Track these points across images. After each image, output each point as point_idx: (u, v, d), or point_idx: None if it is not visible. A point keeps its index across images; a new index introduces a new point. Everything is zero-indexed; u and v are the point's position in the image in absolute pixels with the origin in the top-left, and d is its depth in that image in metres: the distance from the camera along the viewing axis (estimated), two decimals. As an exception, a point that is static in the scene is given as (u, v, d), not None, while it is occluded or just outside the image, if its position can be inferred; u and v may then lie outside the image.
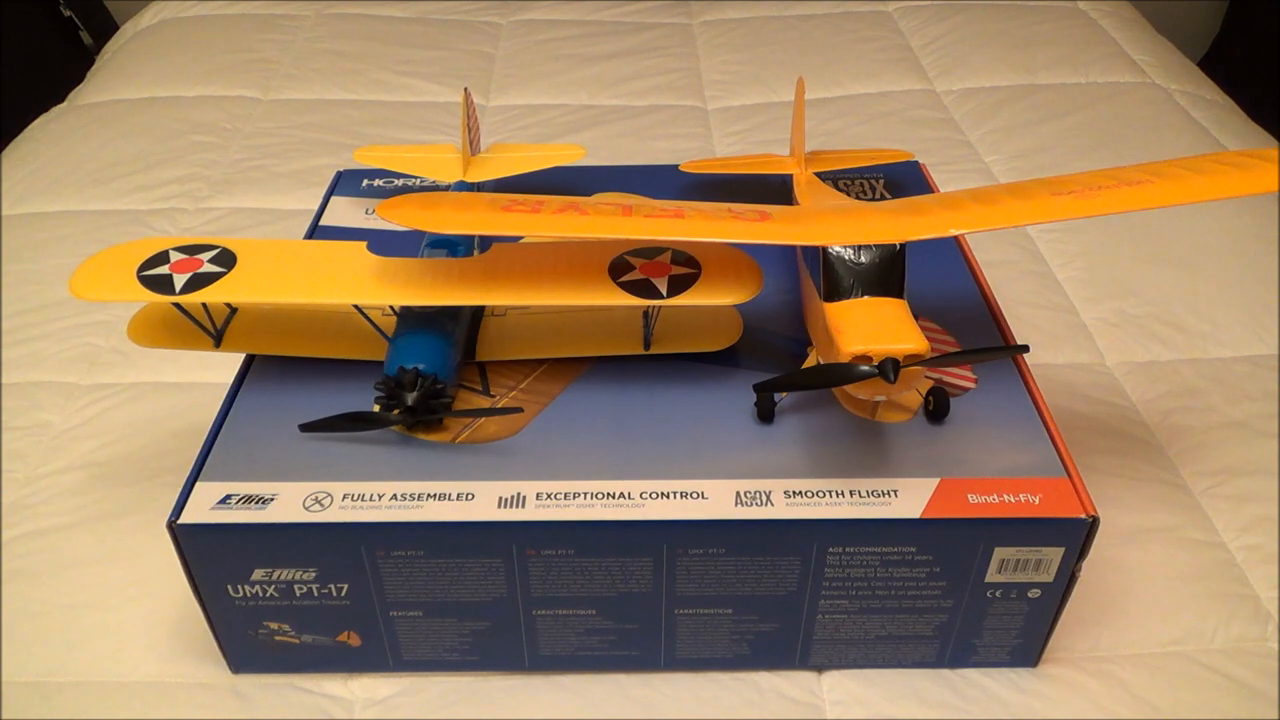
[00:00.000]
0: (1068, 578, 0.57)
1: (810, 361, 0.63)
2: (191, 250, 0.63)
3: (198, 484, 0.56)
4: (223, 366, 0.67)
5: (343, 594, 0.57)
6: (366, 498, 0.55)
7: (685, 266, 0.61)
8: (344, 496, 0.55)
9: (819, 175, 0.79)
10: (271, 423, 0.60)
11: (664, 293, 0.59)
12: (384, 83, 1.33)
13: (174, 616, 0.65)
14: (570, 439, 0.59)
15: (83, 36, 1.81)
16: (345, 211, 0.81)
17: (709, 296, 0.59)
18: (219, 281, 0.60)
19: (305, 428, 0.58)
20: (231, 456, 0.58)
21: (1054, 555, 0.56)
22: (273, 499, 0.55)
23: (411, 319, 0.62)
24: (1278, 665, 0.64)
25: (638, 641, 0.61)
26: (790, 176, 0.80)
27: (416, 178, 0.85)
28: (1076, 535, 0.55)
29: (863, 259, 0.56)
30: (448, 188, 0.82)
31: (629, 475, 0.57)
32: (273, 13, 1.50)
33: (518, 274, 0.61)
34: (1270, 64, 1.81)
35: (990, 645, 0.61)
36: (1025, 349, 0.57)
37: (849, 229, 0.58)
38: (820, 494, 0.55)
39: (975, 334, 0.67)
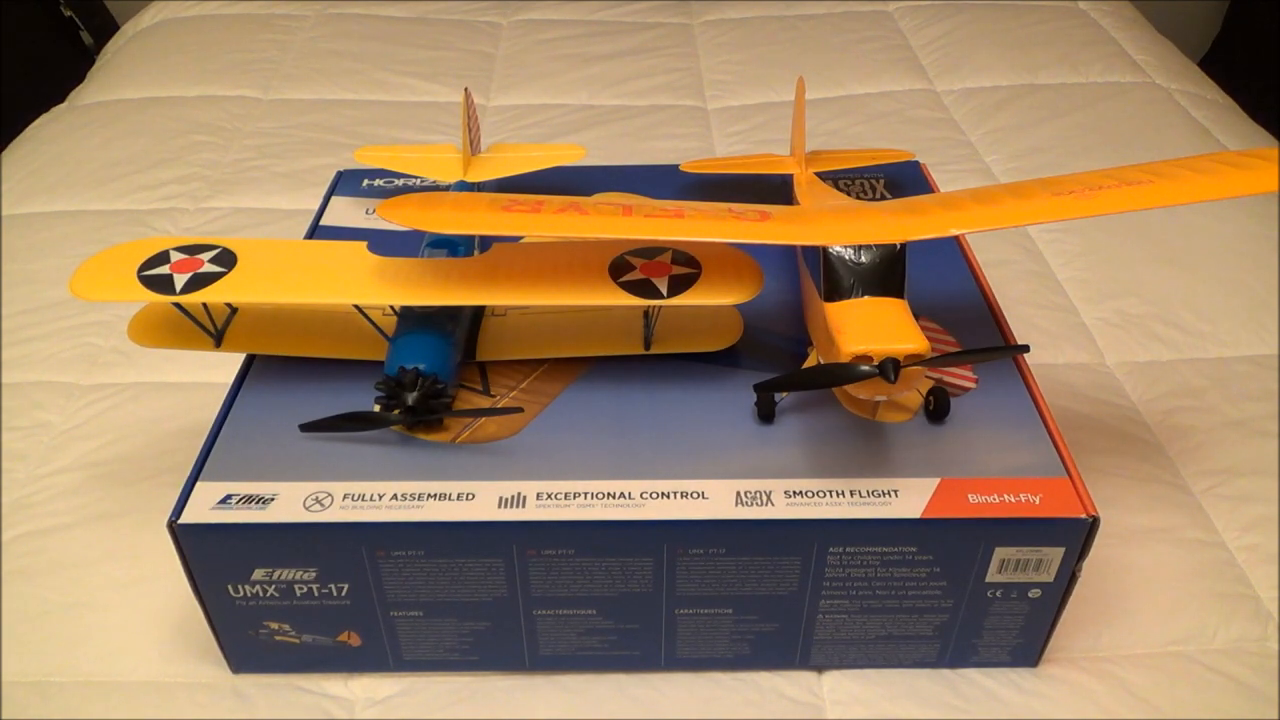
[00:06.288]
0: (1068, 578, 0.57)
1: (810, 361, 0.63)
2: (192, 250, 0.63)
3: (198, 484, 0.56)
4: (223, 366, 0.67)
5: (343, 594, 0.57)
6: (367, 498, 0.55)
7: (685, 266, 0.61)
8: (344, 496, 0.55)
9: (819, 175, 0.79)
10: (271, 423, 0.60)
11: (664, 293, 0.59)
12: (384, 83, 1.33)
13: (174, 616, 0.65)
14: (570, 439, 0.59)
15: (83, 36, 1.81)
16: (345, 211, 0.81)
17: (709, 296, 0.59)
18: (219, 281, 0.60)
19: (305, 428, 0.58)
20: (232, 456, 0.58)
21: (1054, 555, 0.56)
22: (273, 499, 0.55)
23: (412, 319, 0.62)
24: (1278, 665, 0.64)
25: (638, 641, 0.61)
26: (790, 176, 0.80)
27: (417, 178, 0.85)
28: (1077, 535, 0.55)
29: (863, 259, 0.56)
30: (448, 188, 0.82)
31: (629, 475, 0.57)
32: (273, 13, 1.50)
33: (518, 274, 0.61)
34: (1270, 64, 1.81)
35: (991, 645, 0.61)
36: (1025, 349, 0.57)
37: (849, 229, 0.58)
38: (820, 494, 0.55)
39: (975, 334, 0.67)
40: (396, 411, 0.57)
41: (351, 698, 0.62)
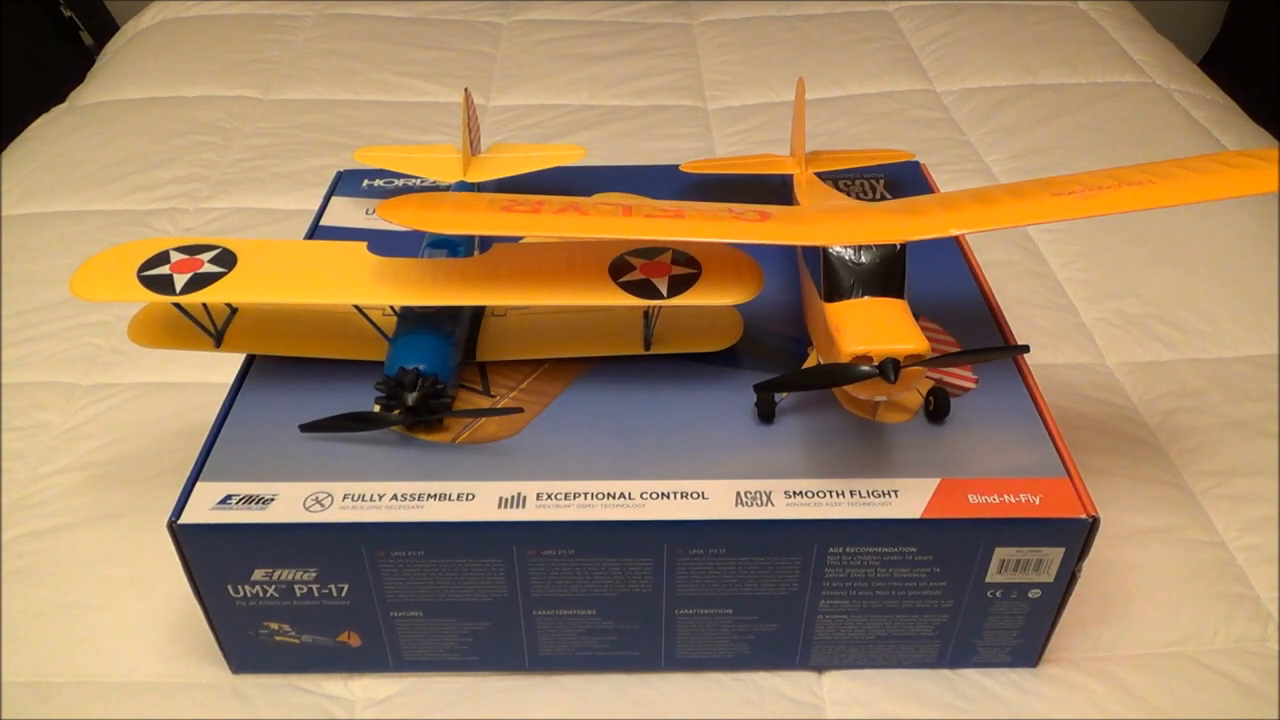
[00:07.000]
0: (1068, 578, 0.57)
1: (810, 361, 0.63)
2: (192, 250, 0.63)
3: (198, 484, 0.56)
4: (223, 366, 0.67)
5: (343, 594, 0.57)
6: (367, 498, 0.55)
7: (686, 266, 0.61)
8: (344, 496, 0.55)
9: (819, 175, 0.79)
10: (271, 423, 0.60)
11: (664, 293, 0.59)
12: (384, 83, 1.33)
13: (174, 616, 0.65)
14: (570, 439, 0.59)
15: (83, 36, 1.81)
16: (345, 211, 0.81)
17: (709, 296, 0.59)
18: (219, 282, 0.60)
19: (305, 428, 0.58)
20: (232, 456, 0.58)
21: (1054, 555, 0.56)
22: (273, 499, 0.55)
23: (412, 319, 0.62)
24: (1278, 665, 0.64)
25: (638, 642, 0.61)
26: (790, 177, 0.80)
27: (417, 178, 0.85)
28: (1077, 535, 0.55)
29: (863, 259, 0.56)
30: (448, 188, 0.82)
31: (629, 475, 0.57)
32: (273, 13, 1.50)
33: (518, 274, 0.61)
34: (1270, 64, 1.81)
35: (991, 645, 0.61)
36: (1025, 349, 0.57)
37: (849, 229, 0.58)
38: (820, 494, 0.55)
39: (975, 334, 0.67)
40: (396, 412, 0.57)
41: (351, 698, 0.62)
